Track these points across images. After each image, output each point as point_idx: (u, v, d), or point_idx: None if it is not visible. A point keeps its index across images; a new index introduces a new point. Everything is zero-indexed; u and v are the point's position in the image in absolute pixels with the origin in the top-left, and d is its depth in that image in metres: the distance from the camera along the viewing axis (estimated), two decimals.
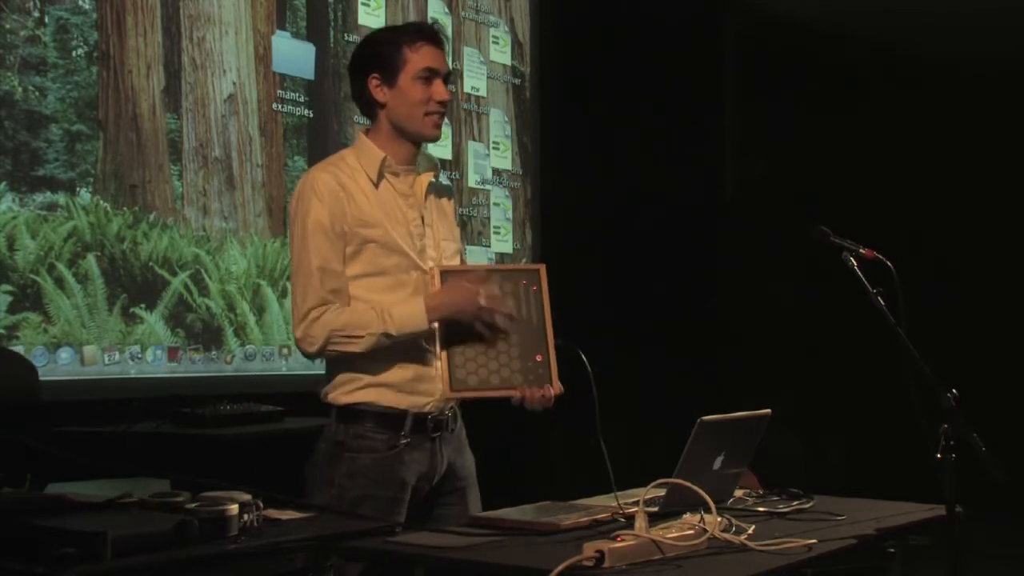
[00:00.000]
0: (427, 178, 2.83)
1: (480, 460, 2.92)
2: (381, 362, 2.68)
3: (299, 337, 2.66)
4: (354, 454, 2.67)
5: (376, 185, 2.74)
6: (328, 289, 2.65)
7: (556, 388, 2.70)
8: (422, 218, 2.79)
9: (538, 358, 2.69)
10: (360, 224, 2.69)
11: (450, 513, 2.77)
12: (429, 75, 2.74)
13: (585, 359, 2.65)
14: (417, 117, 2.75)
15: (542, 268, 2.78)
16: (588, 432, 2.56)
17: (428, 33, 2.79)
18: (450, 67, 2.84)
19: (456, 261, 2.88)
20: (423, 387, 2.71)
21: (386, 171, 2.76)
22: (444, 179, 2.96)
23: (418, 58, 2.74)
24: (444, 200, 2.90)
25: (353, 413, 2.69)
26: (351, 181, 2.71)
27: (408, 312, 2.64)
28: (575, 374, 2.68)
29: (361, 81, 2.78)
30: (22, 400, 2.87)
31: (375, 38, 2.85)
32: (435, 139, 2.86)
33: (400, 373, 2.69)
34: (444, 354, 2.66)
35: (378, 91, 2.75)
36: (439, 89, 2.75)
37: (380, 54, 2.76)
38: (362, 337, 2.63)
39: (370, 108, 2.79)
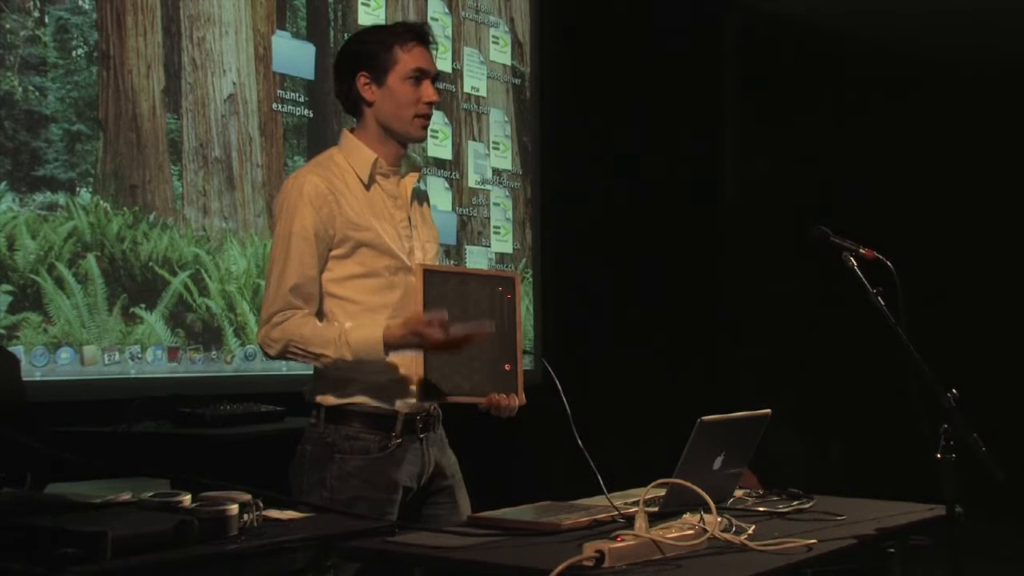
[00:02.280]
0: (412, 180, 2.84)
1: (479, 460, 2.93)
2: None
3: (260, 340, 2.68)
4: (345, 455, 2.67)
5: (367, 187, 2.74)
6: (299, 296, 2.64)
7: (520, 399, 2.70)
8: (409, 219, 2.80)
9: (506, 367, 2.72)
10: (351, 227, 2.68)
11: (440, 512, 2.78)
12: (419, 76, 2.74)
13: (552, 372, 2.68)
14: (405, 118, 2.75)
15: (517, 278, 2.83)
16: (587, 433, 2.56)
17: (419, 34, 2.78)
18: (438, 68, 2.84)
19: (437, 263, 2.90)
20: (412, 388, 2.71)
21: (377, 172, 2.76)
22: (420, 183, 2.96)
23: (409, 58, 2.73)
24: (424, 203, 2.92)
25: (343, 414, 2.69)
26: (341, 184, 2.71)
27: (365, 338, 2.60)
28: (573, 372, 2.68)
29: (349, 79, 2.77)
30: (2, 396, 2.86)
31: (365, 36, 2.83)
32: (421, 140, 2.88)
33: (390, 374, 2.68)
34: (420, 358, 2.65)
35: (366, 89, 2.75)
36: (428, 90, 2.75)
37: (370, 52, 2.75)
38: (320, 356, 2.62)
39: (356, 106, 2.79)
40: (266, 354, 2.69)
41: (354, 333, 2.61)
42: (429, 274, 2.69)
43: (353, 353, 2.60)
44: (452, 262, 5.15)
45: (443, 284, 2.69)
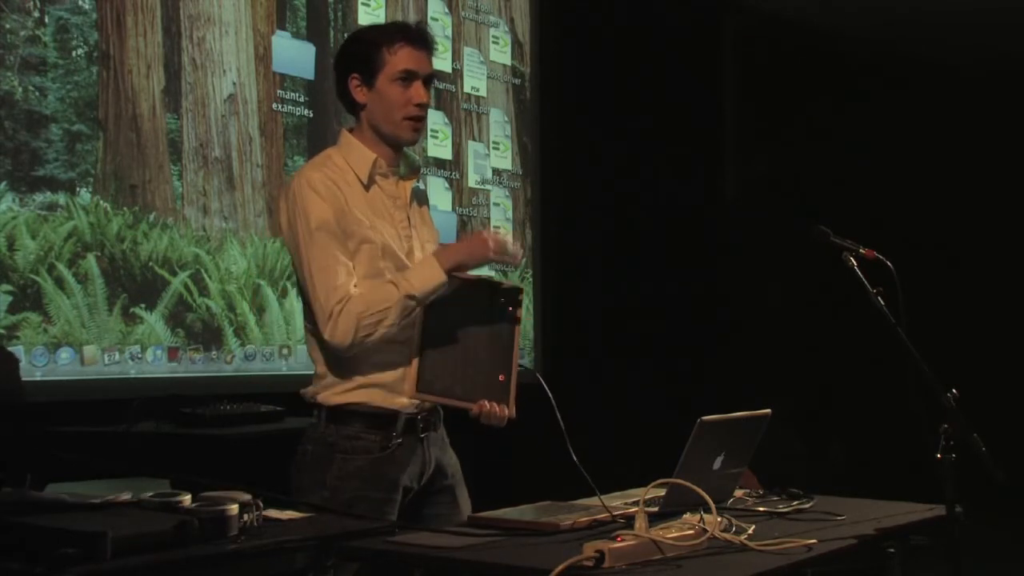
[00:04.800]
0: (412, 182, 2.83)
1: (479, 461, 2.92)
2: (372, 362, 2.67)
3: (328, 337, 2.60)
4: (346, 455, 2.66)
5: (367, 188, 2.73)
6: (352, 284, 2.61)
7: (511, 411, 2.68)
8: (408, 220, 2.79)
9: (501, 378, 2.69)
10: (357, 223, 2.67)
11: (441, 512, 2.77)
12: (407, 77, 2.71)
13: (546, 386, 2.66)
14: (394, 120, 2.72)
15: (522, 291, 2.81)
16: (586, 432, 2.56)
17: (409, 34, 2.74)
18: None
19: None
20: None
21: (376, 173, 2.75)
22: (420, 183, 2.95)
23: (396, 60, 2.71)
24: (424, 204, 2.91)
25: (344, 414, 2.67)
26: (343, 182, 2.70)
27: (424, 271, 2.62)
28: (573, 371, 2.68)
29: (343, 80, 2.76)
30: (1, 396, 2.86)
31: (358, 37, 2.82)
32: (412, 143, 2.83)
33: (391, 374, 2.68)
34: (417, 354, 2.65)
35: (358, 91, 2.74)
36: (418, 92, 2.72)
37: (361, 54, 2.73)
38: (389, 308, 2.58)
39: (352, 108, 2.78)
40: (341, 348, 2.61)
41: (410, 272, 2.63)
42: None
43: (419, 287, 2.59)
44: None
45: (448, 285, 2.69)
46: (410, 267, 2.69)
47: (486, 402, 2.65)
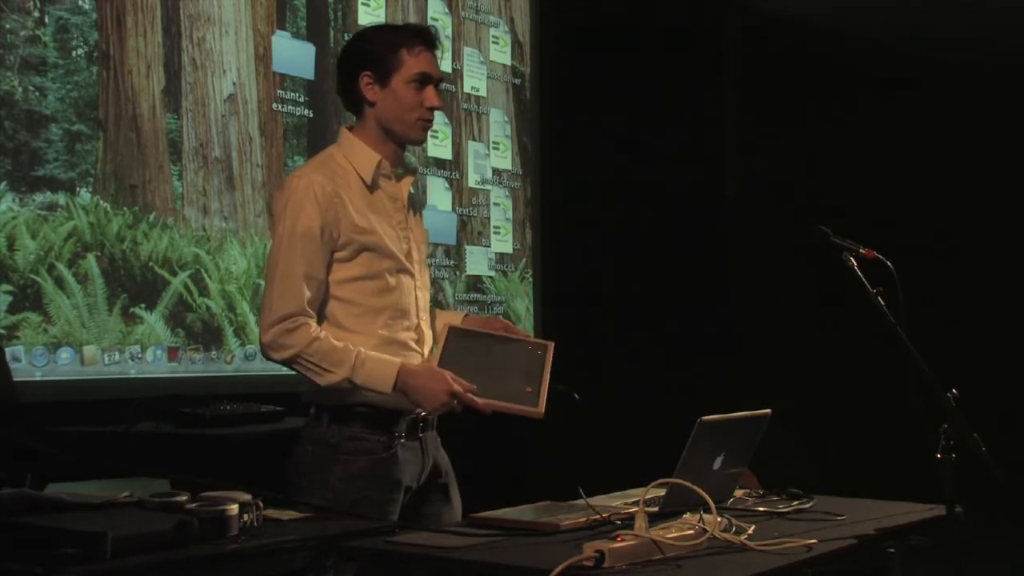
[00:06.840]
0: (409, 182, 2.84)
1: (480, 461, 2.92)
2: None
3: (268, 341, 2.59)
4: (349, 456, 2.65)
5: (370, 189, 2.73)
6: (307, 298, 2.61)
7: (539, 409, 2.66)
8: (406, 220, 2.79)
9: (528, 390, 2.69)
10: (356, 231, 2.66)
11: (436, 511, 2.78)
12: (423, 80, 2.73)
13: (576, 396, 2.68)
14: (407, 121, 2.74)
15: (551, 346, 2.79)
16: (587, 432, 2.56)
17: (427, 38, 2.77)
18: (442, 71, 2.83)
19: (428, 263, 2.91)
20: None
21: (380, 174, 2.75)
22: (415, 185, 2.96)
23: (415, 62, 2.73)
24: (416, 204, 2.92)
25: (346, 414, 2.67)
26: (344, 185, 2.69)
27: (381, 370, 2.60)
28: (573, 372, 2.68)
29: (352, 77, 2.76)
30: None
31: (371, 35, 2.81)
32: (421, 142, 2.89)
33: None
34: (436, 359, 2.66)
35: (369, 89, 2.74)
36: (431, 95, 2.75)
37: (375, 53, 2.73)
38: (330, 372, 2.59)
39: (357, 105, 2.78)
40: (269, 356, 2.63)
41: (371, 359, 2.61)
42: (452, 333, 2.71)
43: (363, 378, 2.59)
44: (452, 262, 5.15)
45: (467, 339, 2.71)
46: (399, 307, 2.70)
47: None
